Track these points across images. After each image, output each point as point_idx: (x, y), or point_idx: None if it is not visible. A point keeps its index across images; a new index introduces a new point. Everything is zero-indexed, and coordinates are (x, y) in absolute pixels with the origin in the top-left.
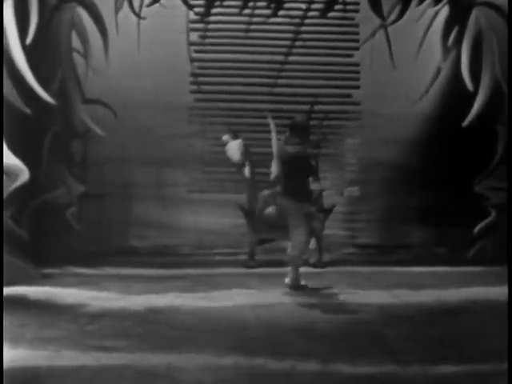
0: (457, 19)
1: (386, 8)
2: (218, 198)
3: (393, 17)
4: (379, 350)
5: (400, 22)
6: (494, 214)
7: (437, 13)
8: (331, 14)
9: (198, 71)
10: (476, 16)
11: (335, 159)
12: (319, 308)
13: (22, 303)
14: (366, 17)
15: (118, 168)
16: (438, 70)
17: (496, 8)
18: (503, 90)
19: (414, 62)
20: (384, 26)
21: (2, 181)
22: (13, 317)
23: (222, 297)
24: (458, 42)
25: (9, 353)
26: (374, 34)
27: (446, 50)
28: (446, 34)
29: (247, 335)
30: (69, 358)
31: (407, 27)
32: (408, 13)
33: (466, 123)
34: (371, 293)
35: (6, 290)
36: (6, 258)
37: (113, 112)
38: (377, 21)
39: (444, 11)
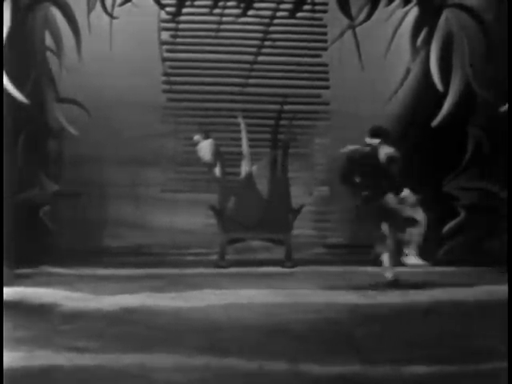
0: (426, 20)
1: (354, 8)
2: (190, 198)
3: (361, 17)
4: (349, 350)
5: (369, 23)
6: (463, 214)
7: (406, 13)
8: (300, 15)
9: (170, 71)
10: (446, 17)
11: (305, 159)
12: (289, 308)
13: None
14: (334, 17)
15: (93, 167)
16: (408, 71)
17: (467, 9)
18: (473, 91)
19: (383, 62)
20: (352, 27)
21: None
22: None
23: (194, 297)
24: (428, 42)
25: None
26: (342, 34)
27: (415, 50)
28: (415, 35)
29: (218, 335)
30: (42, 358)
31: (376, 28)
32: (377, 13)
33: (435, 123)
34: (341, 292)
35: None
36: None
37: (87, 111)
38: (345, 21)
39: (413, 12)
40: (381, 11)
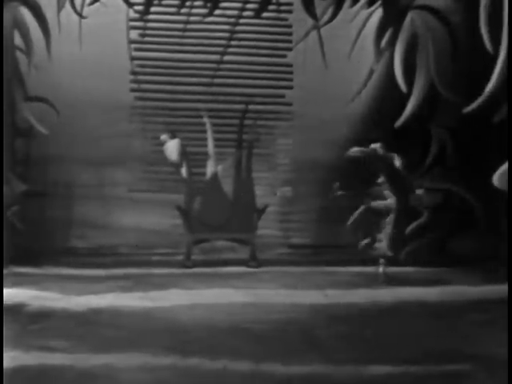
0: (391, 21)
1: (319, 9)
2: (157, 198)
3: (326, 18)
4: (312, 350)
5: (333, 23)
6: (426, 214)
7: (370, 14)
8: (265, 15)
9: (138, 69)
10: (411, 18)
11: (268, 159)
12: (253, 308)
13: None
14: (299, 17)
15: (61, 167)
16: (371, 71)
17: (433, 11)
18: (437, 91)
19: (347, 63)
20: (317, 27)
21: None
22: None
23: (161, 297)
24: (392, 43)
25: None
26: (307, 34)
27: (379, 51)
28: (379, 36)
29: (184, 335)
30: (10, 358)
31: (340, 28)
32: (341, 14)
33: (398, 124)
34: (304, 293)
35: None
36: None
37: (55, 110)
38: (310, 22)
39: (378, 13)
40: (345, 12)
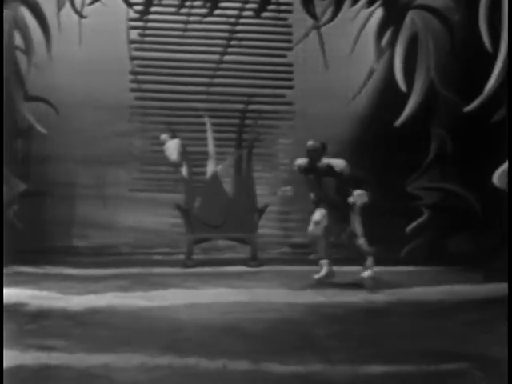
0: (391, 21)
1: (319, 9)
2: (157, 198)
3: (326, 17)
4: (310, 350)
5: (334, 23)
6: (426, 213)
7: (371, 14)
8: (265, 15)
9: (138, 69)
10: (412, 18)
11: (268, 159)
12: (252, 307)
13: None
14: (299, 17)
15: (60, 166)
16: (372, 71)
17: (433, 10)
18: (437, 91)
19: (348, 62)
20: (317, 27)
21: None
22: None
23: (160, 296)
24: (392, 42)
25: None
26: (307, 34)
27: (379, 50)
28: (379, 35)
29: (182, 335)
30: (8, 357)
31: (341, 28)
32: (341, 14)
33: (398, 123)
34: (303, 292)
35: None
36: None
37: (55, 110)
38: (310, 21)
39: (378, 13)
40: (346, 11)
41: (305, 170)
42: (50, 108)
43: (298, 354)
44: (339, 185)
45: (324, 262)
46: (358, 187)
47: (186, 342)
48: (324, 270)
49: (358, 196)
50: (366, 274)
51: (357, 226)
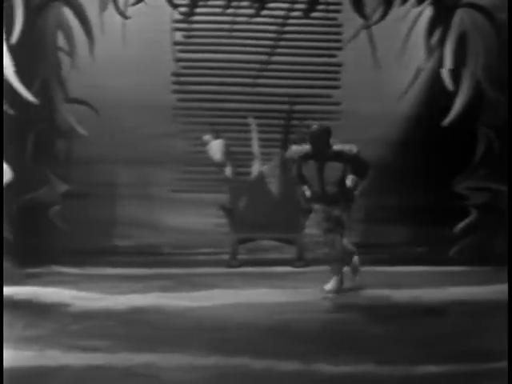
0: (440, 20)
1: (369, 8)
2: (200, 198)
3: (376, 17)
4: (358, 350)
5: (383, 22)
6: (474, 213)
7: (420, 13)
8: (314, 14)
9: (182, 71)
10: (460, 17)
11: None
12: (300, 307)
13: (6, 303)
14: (349, 17)
15: (102, 167)
16: (419, 70)
17: (480, 9)
18: (484, 90)
19: (398, 61)
20: (367, 26)
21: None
22: None
23: (204, 296)
24: (442, 42)
25: None
26: (357, 34)
27: (429, 49)
28: (429, 34)
29: (228, 335)
30: (52, 357)
31: (391, 27)
32: (391, 13)
33: (445, 123)
34: (352, 292)
35: None
36: None
37: (95, 111)
38: (360, 21)
39: (428, 11)
40: (395, 10)
41: (305, 158)
42: (91, 110)
43: (348, 355)
44: (345, 173)
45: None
46: (356, 173)
47: (232, 342)
48: (334, 280)
49: (354, 180)
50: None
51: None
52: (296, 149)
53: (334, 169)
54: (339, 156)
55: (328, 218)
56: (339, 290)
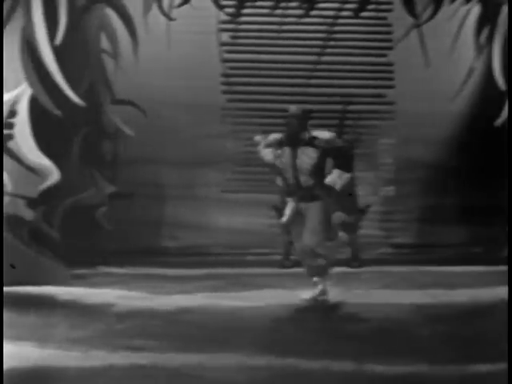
0: (488, 17)
1: (419, 7)
2: (251, 198)
3: (426, 16)
4: (413, 350)
5: (433, 21)
6: None
7: (468, 11)
8: (364, 14)
9: (230, 72)
10: (507, 14)
11: (370, 159)
12: (353, 308)
13: (52, 303)
14: (399, 16)
15: (149, 168)
16: (472, 69)
17: None
18: None
19: (448, 60)
20: (417, 25)
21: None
22: (42, 317)
23: (254, 297)
24: (490, 40)
25: (36, 353)
26: (407, 33)
27: (478, 48)
28: (477, 32)
29: (280, 335)
30: (97, 357)
31: (440, 26)
32: (441, 11)
33: (497, 123)
34: (406, 292)
35: (36, 290)
36: (37, 258)
37: (142, 112)
38: (409, 20)
39: (476, 9)
40: (445, 9)
41: (280, 144)
42: (137, 111)
43: (403, 355)
44: (319, 162)
45: (316, 279)
46: (339, 166)
47: (284, 343)
48: (319, 288)
49: (337, 176)
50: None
51: (317, 224)
52: (273, 136)
53: (308, 156)
54: (315, 142)
55: (294, 214)
56: (318, 298)
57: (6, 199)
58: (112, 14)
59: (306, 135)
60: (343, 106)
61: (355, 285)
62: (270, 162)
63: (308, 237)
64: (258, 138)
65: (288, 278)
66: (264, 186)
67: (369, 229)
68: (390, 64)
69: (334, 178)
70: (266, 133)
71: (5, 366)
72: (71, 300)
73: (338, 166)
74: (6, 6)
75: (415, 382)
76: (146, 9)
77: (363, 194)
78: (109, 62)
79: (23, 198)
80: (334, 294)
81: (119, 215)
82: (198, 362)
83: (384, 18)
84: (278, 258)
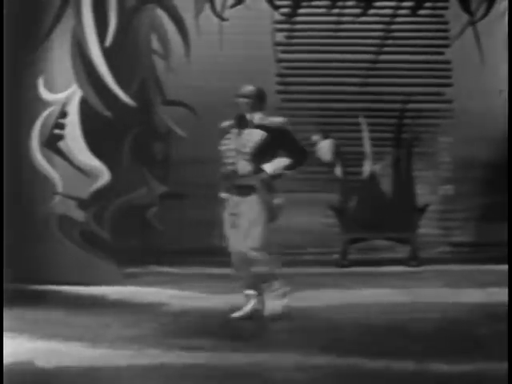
0: None
1: (474, 4)
2: (308, 198)
3: (480, 12)
4: (474, 349)
5: (487, 18)
6: None
7: None
8: (421, 12)
9: (285, 71)
10: None
11: (429, 158)
12: (415, 307)
13: (104, 303)
14: (456, 13)
15: (200, 168)
16: None
17: None
18: None
19: (504, 56)
20: (472, 23)
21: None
22: (94, 317)
23: (311, 296)
24: None
25: (88, 352)
26: (463, 30)
27: None
28: None
29: (339, 335)
30: (150, 356)
31: (495, 22)
32: (494, 8)
33: None
34: (466, 291)
35: (89, 290)
36: (89, 258)
37: (194, 113)
38: (465, 17)
39: None
40: (497, 6)
41: (229, 127)
42: (188, 111)
43: (464, 354)
44: (262, 145)
45: (251, 292)
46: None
47: (344, 342)
48: (250, 305)
49: (275, 163)
50: (273, 306)
51: (253, 227)
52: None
53: (251, 136)
54: (264, 126)
55: (232, 214)
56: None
57: (56, 199)
58: (163, 15)
59: (256, 117)
60: (402, 105)
61: (414, 284)
62: (328, 161)
63: (240, 241)
64: (316, 137)
65: (345, 277)
66: (320, 185)
67: (428, 228)
68: (447, 62)
69: (273, 164)
70: (322, 132)
71: (57, 365)
72: (124, 299)
73: (289, 155)
74: (55, 7)
75: (477, 380)
76: (199, 9)
77: (422, 193)
78: (159, 63)
79: (74, 198)
80: (390, 294)
81: (170, 215)
82: (256, 361)
83: (441, 16)
84: (334, 257)
